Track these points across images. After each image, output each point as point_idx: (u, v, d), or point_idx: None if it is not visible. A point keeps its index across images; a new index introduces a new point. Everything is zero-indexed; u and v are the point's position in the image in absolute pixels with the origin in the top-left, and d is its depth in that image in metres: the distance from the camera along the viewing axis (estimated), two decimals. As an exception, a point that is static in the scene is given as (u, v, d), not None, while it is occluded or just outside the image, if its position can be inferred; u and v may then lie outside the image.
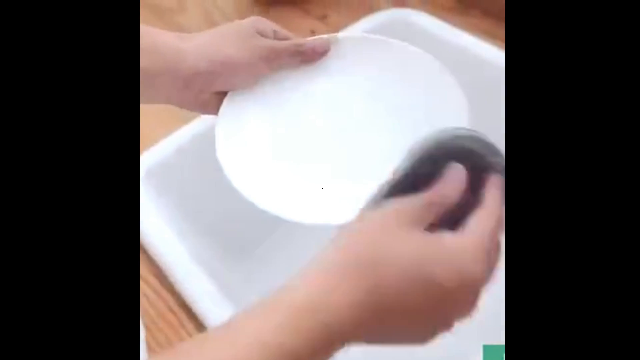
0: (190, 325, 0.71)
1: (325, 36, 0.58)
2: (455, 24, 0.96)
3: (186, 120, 0.86)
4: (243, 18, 1.07)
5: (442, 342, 0.42)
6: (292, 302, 0.39)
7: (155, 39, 0.53)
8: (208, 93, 0.55)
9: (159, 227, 0.78)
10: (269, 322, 0.38)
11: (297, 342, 0.37)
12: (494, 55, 0.88)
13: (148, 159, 0.85)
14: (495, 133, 0.61)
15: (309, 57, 0.57)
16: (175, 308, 0.73)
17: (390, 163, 0.43)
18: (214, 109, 0.56)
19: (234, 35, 0.54)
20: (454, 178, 0.43)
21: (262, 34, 0.56)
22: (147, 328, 0.69)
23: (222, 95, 0.56)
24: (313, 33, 1.03)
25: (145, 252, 0.78)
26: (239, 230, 0.51)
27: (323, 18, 1.07)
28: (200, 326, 0.70)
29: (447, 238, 0.41)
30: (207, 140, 0.57)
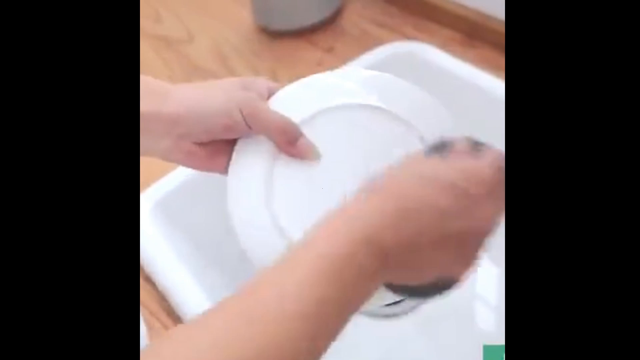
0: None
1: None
2: (461, 57, 0.97)
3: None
4: (251, 50, 1.10)
5: (443, 343, 0.42)
6: (329, 223, 0.42)
7: (147, 82, 0.53)
8: (188, 142, 0.53)
9: (166, 258, 0.78)
10: (309, 243, 0.41)
11: (337, 250, 0.40)
12: (501, 87, 0.89)
13: (156, 192, 0.85)
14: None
15: (287, 151, 0.54)
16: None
17: None
18: (196, 161, 0.54)
19: (218, 87, 0.54)
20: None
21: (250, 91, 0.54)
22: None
23: (205, 146, 0.54)
24: (320, 65, 1.04)
25: (152, 282, 0.78)
26: (244, 260, 0.51)
27: (330, 50, 1.08)
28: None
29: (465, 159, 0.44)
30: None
